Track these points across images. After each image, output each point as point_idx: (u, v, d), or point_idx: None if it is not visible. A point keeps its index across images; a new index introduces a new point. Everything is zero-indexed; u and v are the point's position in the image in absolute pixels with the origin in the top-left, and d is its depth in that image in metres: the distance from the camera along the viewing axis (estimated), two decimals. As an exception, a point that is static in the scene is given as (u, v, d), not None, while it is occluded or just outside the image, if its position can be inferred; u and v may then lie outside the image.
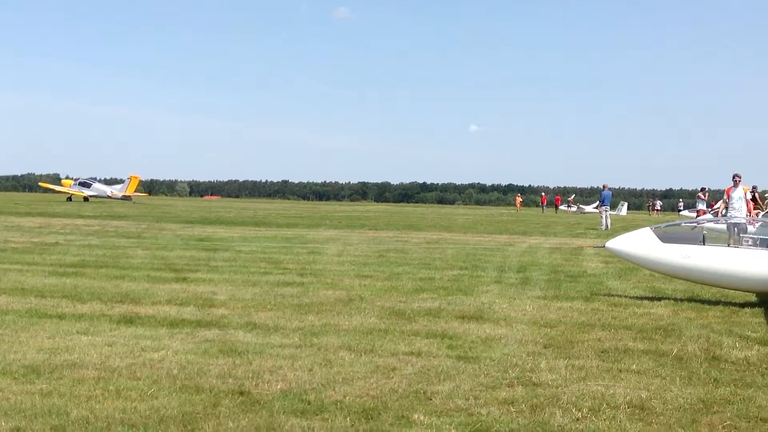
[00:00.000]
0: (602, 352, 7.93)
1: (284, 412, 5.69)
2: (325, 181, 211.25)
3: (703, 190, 38.79)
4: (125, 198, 66.35)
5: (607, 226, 35.10)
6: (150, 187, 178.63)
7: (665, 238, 11.56)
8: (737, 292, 11.88)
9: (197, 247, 20.39)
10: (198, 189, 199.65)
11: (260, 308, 10.31)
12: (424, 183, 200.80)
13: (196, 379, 6.58)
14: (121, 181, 71.28)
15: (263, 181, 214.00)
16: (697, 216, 34.85)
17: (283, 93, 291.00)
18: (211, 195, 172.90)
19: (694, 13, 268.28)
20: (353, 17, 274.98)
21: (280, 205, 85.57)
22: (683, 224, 14.95)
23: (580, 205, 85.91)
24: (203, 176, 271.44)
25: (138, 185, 70.36)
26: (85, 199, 65.32)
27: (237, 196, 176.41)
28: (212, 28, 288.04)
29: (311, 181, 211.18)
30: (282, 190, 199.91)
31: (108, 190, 68.77)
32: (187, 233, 26.11)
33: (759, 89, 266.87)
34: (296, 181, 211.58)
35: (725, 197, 19.99)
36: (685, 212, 64.48)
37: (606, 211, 36.73)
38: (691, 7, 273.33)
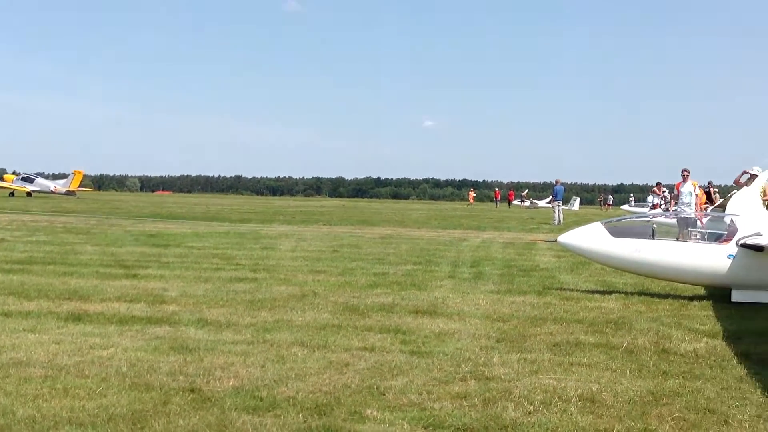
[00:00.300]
0: (554, 345, 7.99)
1: (236, 409, 5.63)
2: (279, 176, 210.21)
3: (658, 185, 39.34)
4: (69, 193, 65.14)
5: (559, 221, 35.50)
6: (100, 183, 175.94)
7: (615, 232, 11.70)
8: (686, 285, 12.08)
9: (148, 243, 20.11)
10: (149, 184, 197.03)
11: (212, 304, 10.19)
12: (379, 178, 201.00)
13: (145, 376, 6.48)
14: (66, 176, 70.09)
15: (216, 176, 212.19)
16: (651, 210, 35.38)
17: (235, 87, 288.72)
18: (163, 190, 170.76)
19: (646, 6, 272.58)
20: (303, 10, 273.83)
21: (233, 201, 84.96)
22: (634, 219, 15.16)
23: (534, 200, 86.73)
24: (154, 171, 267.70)
25: (82, 180, 69.16)
26: (28, 194, 63.96)
27: (189, 192, 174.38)
28: (166, 20, 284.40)
29: (265, 176, 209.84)
30: (235, 185, 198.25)
31: (51, 185, 67.59)
32: (137, 229, 25.74)
33: (711, 87, 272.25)
34: (249, 176, 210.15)
35: (675, 192, 20.37)
36: (625, 206, 65.43)
37: (558, 205, 37.16)
38: (643, 2, 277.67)
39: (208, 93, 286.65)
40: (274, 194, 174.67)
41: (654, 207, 37.12)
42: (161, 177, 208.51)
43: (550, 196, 45.65)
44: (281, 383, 6.34)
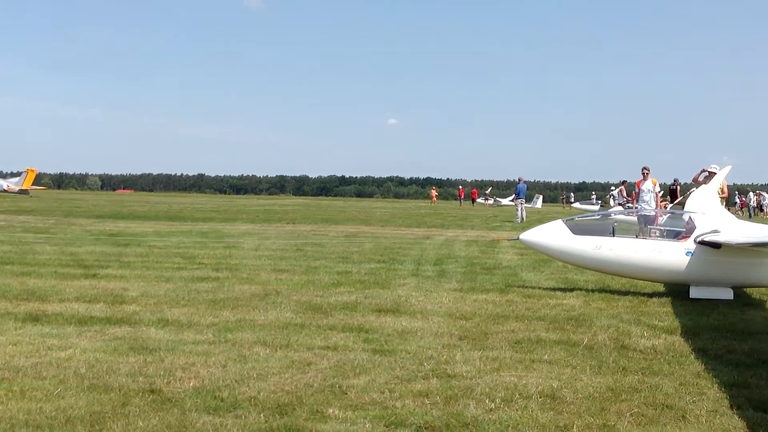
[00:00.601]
0: (516, 343, 8.04)
1: (196, 410, 5.59)
2: (242, 175, 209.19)
3: (624, 182, 39.72)
4: (22, 192, 64.17)
5: (522, 219, 35.73)
6: (59, 181, 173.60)
7: (576, 230, 11.80)
8: (646, 282, 12.22)
9: (108, 242, 19.87)
10: (110, 183, 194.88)
11: (173, 304, 10.10)
12: (343, 176, 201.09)
13: (104, 378, 6.40)
14: (20, 175, 69.05)
15: (178, 174, 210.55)
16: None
17: (197, 85, 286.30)
18: (124, 189, 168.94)
19: (608, 6, 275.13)
20: (266, 7, 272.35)
21: (195, 199, 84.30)
22: (596, 216, 15.32)
23: (497, 198, 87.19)
24: (115, 169, 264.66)
25: (36, 178, 68.20)
26: None
27: (151, 190, 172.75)
28: (126, 16, 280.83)
29: (228, 174, 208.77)
30: (198, 184, 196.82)
31: (4, 183, 66.63)
32: (97, 228, 25.43)
33: (664, 87, 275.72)
34: (213, 175, 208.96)
35: (636, 189, 20.59)
36: (576, 204, 66.21)
37: (521, 203, 37.39)
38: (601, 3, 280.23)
39: (169, 90, 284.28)
40: (238, 193, 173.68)
41: (621, 205, 37.53)
42: (122, 175, 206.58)
43: (513, 195, 45.88)
44: (243, 383, 6.30)
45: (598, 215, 17.61)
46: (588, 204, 58.67)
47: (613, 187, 53.09)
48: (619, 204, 37.36)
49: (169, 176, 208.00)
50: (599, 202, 55.89)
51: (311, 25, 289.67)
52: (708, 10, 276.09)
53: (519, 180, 38.84)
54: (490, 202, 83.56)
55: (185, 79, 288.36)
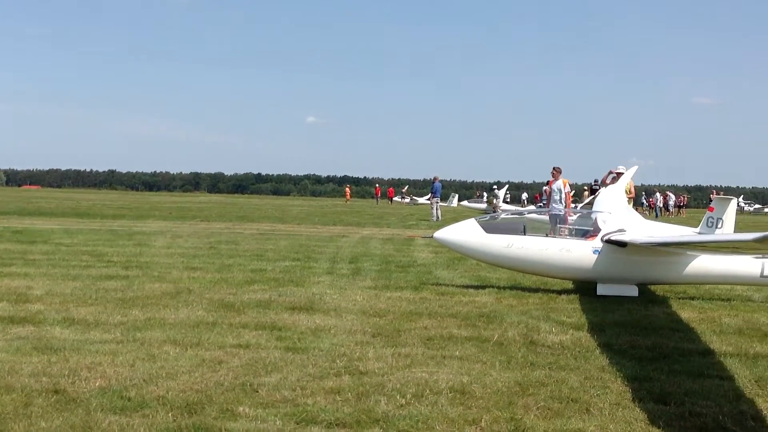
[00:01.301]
0: (428, 339, 8.12)
1: (102, 410, 5.46)
2: (155, 171, 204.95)
3: (550, 183, 40.38)
4: None
5: (437, 217, 36.07)
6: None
7: (489, 228, 11.99)
8: (556, 279, 12.50)
9: (12, 239, 19.20)
10: (16, 178, 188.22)
11: (80, 303, 9.83)
12: (259, 174, 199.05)
13: (6, 378, 6.19)
14: None
15: (88, 170, 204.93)
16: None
17: (110, 78, 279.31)
18: (30, 185, 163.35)
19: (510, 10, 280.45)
20: (184, 3, 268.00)
21: (106, 196, 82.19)
22: (509, 215, 15.60)
23: (414, 197, 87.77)
24: (21, 165, 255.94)
25: None
26: None
27: (59, 186, 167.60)
28: (41, 7, 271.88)
29: (140, 171, 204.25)
30: (109, 180, 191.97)
31: None
32: (1, 225, 24.54)
33: (585, 91, 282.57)
34: (124, 171, 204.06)
35: (546, 189, 21.05)
36: (464, 203, 67.60)
37: (437, 202, 37.78)
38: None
39: (80, 84, 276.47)
40: (150, 190, 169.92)
41: (544, 205, 38.29)
42: (29, 171, 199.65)
43: (430, 193, 46.30)
44: (151, 382, 6.19)
45: (513, 213, 17.90)
46: (476, 203, 60.29)
47: (495, 187, 54.37)
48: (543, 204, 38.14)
49: (78, 172, 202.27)
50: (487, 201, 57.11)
51: (229, 20, 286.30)
52: (617, 10, 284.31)
53: (434, 179, 39.19)
54: (407, 200, 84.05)
55: (97, 73, 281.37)
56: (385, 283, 12.56)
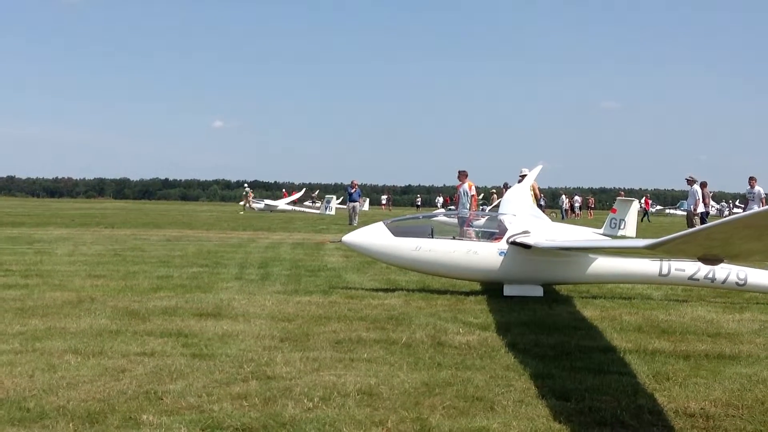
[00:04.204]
0: (337, 343, 8.14)
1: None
2: (57, 177, 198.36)
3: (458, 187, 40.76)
4: None
5: (354, 222, 36.24)
6: None
7: (397, 231, 12.08)
8: (463, 281, 12.69)
9: None
10: None
11: (-24, 313, 9.45)
12: (166, 179, 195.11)
13: None
14: None
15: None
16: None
17: (7, 81, 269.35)
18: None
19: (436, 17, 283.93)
20: (81, 4, 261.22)
21: (4, 203, 79.18)
22: (418, 218, 15.74)
23: (325, 201, 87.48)
24: None
25: None
26: None
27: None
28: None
29: (41, 176, 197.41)
30: (8, 187, 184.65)
31: None
32: None
33: (486, 91, 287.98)
34: (24, 177, 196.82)
35: (456, 192, 21.34)
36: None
37: (355, 206, 38.05)
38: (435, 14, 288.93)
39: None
40: (52, 196, 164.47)
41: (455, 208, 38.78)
42: None
43: (344, 197, 46.35)
44: (51, 393, 6.01)
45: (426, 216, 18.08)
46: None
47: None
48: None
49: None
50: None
51: (130, 22, 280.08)
52: (527, 13, 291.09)
53: (351, 183, 39.32)
54: (318, 204, 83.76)
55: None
56: (295, 287, 12.52)
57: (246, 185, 72.12)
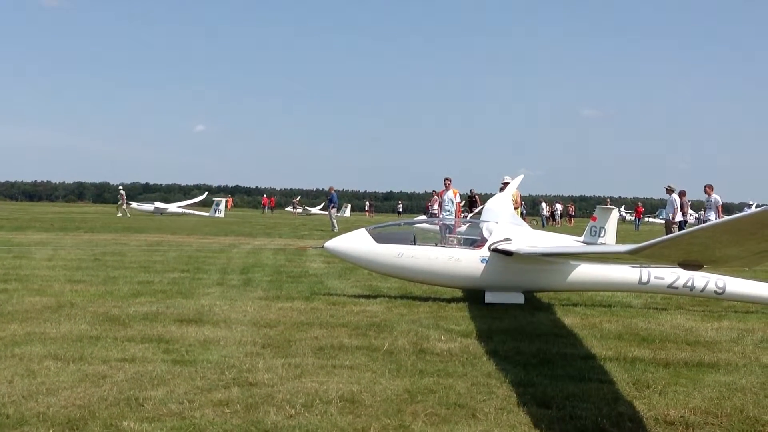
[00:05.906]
0: (319, 349, 8.12)
1: (-23, 429, 5.23)
2: (36, 181, 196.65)
3: (441, 193, 40.78)
4: None
5: (335, 227, 36.20)
6: None
7: (379, 238, 12.09)
8: (445, 288, 12.70)
9: None
10: None
11: (-46, 318, 9.37)
12: (147, 184, 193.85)
13: None
14: None
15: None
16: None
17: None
18: None
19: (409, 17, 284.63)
20: (64, 6, 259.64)
21: (-16, 206, 78.55)
22: (400, 224, 15.75)
23: (306, 207, 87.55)
24: None
25: None
26: None
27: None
28: None
29: (20, 180, 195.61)
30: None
31: None
32: None
33: (468, 99, 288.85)
34: (2, 180, 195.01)
35: (440, 199, 21.42)
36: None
37: (335, 212, 38.01)
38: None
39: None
40: (31, 200, 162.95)
41: (434, 215, 38.86)
42: None
43: (325, 203, 46.34)
44: (30, 399, 5.97)
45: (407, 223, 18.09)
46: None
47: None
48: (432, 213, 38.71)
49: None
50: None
51: (113, 24, 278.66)
52: (509, 21, 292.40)
53: (330, 189, 39.28)
54: (299, 210, 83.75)
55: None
56: (277, 293, 12.49)
57: (120, 187, 64.22)
